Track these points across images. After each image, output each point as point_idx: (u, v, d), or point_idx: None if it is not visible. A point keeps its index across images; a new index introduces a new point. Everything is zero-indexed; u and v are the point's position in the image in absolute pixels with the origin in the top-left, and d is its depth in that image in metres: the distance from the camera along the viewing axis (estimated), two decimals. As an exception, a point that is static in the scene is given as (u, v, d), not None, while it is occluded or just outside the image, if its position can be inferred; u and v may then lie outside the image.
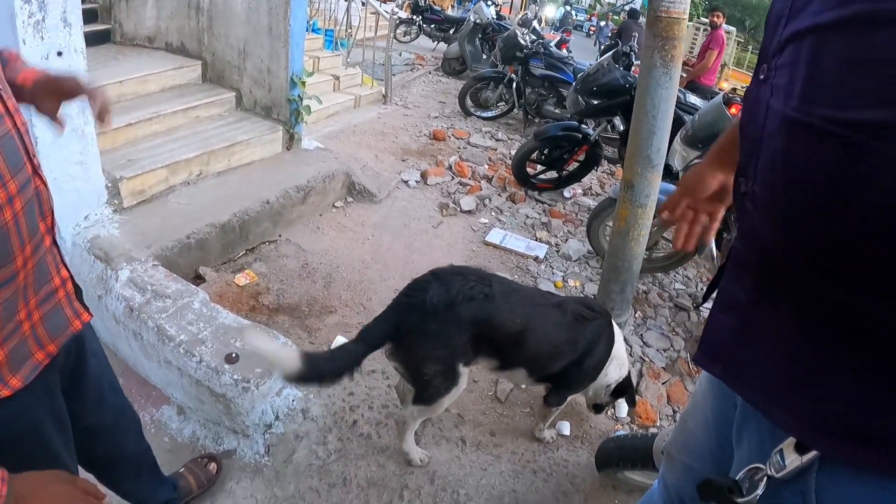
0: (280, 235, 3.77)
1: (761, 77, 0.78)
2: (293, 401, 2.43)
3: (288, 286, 3.27)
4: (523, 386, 2.79)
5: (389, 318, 1.98)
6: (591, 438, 2.59)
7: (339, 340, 2.83)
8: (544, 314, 2.14)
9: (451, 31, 12.03)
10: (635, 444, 2.12)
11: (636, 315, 3.55)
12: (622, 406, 2.76)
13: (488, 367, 2.18)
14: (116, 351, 2.73)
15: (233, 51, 4.65)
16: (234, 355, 2.31)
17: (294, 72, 4.39)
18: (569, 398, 2.37)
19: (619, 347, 2.35)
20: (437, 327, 1.94)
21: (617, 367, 2.34)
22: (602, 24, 22.77)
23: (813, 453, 0.73)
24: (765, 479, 0.78)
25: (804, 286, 0.73)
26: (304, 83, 4.43)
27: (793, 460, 0.75)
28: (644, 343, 3.32)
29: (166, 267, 2.86)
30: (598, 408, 2.53)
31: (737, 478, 0.82)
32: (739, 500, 0.80)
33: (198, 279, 3.16)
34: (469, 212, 4.60)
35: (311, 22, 7.47)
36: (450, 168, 5.42)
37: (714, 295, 0.97)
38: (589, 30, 29.33)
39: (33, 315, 1.05)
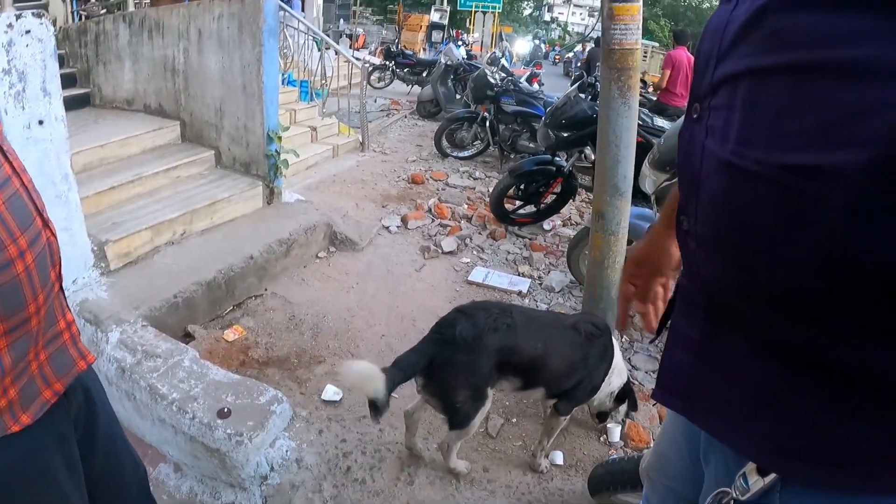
0: (266, 289, 3.83)
1: (694, 116, 0.78)
2: (287, 451, 2.47)
3: (276, 339, 3.33)
4: (514, 420, 2.85)
5: (423, 352, 2.18)
6: (584, 466, 2.64)
7: (330, 390, 2.88)
8: (562, 336, 2.39)
9: (424, 74, 12.29)
10: (624, 466, 2.18)
11: (622, 339, 3.61)
12: (614, 431, 2.82)
13: (511, 389, 2.37)
14: (110, 414, 2.76)
15: (209, 110, 4.77)
16: (226, 410, 2.35)
17: (270, 127, 4.49)
18: (574, 408, 2.54)
19: (618, 358, 2.58)
20: (468, 358, 2.15)
21: (618, 376, 2.57)
22: (575, 51, 23.23)
23: (774, 475, 0.76)
24: (731, 502, 0.81)
25: (752, 322, 0.75)
26: (280, 138, 4.54)
27: (756, 482, 0.78)
28: (632, 366, 3.38)
29: (155, 327, 2.91)
30: (602, 416, 2.74)
31: (706, 503, 0.84)
32: None
33: (187, 337, 3.20)
34: (451, 253, 4.68)
35: (285, 74, 7.63)
36: (429, 211, 5.52)
37: (667, 330, 0.99)
38: (554, 58, 30.12)
39: (40, 355, 1.11)
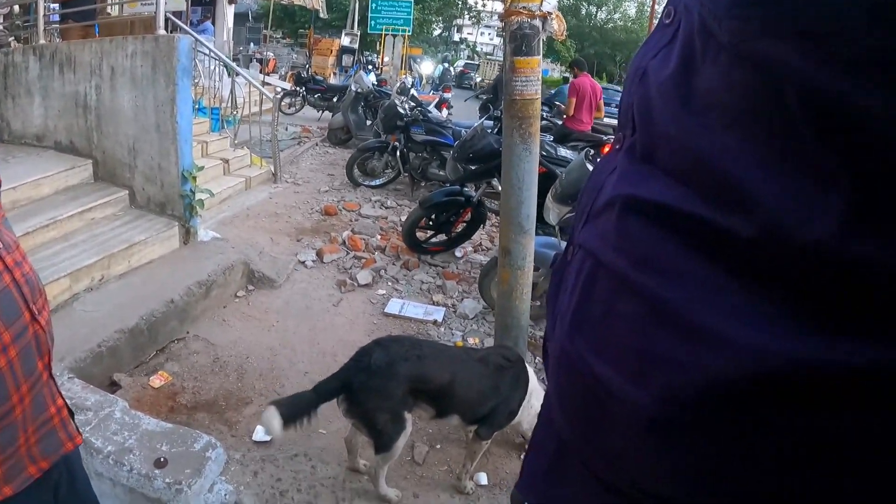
0: (188, 332, 3.90)
1: (617, 147, 0.74)
2: (225, 495, 2.59)
3: (202, 383, 3.42)
4: (438, 447, 3.06)
5: (340, 377, 2.50)
6: (508, 484, 2.87)
7: (260, 431, 3.00)
8: (469, 368, 2.66)
9: (335, 100, 12.37)
10: None
11: (536, 361, 3.85)
12: None
13: (427, 416, 2.63)
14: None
15: (123, 149, 4.77)
16: (162, 460, 2.45)
17: (184, 167, 4.55)
18: (495, 433, 2.78)
19: (534, 382, 2.81)
20: (382, 383, 2.43)
21: (538, 398, 2.77)
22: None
23: None
24: None
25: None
26: (195, 178, 4.59)
27: None
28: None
29: (81, 378, 2.95)
30: None
31: None
32: None
33: (113, 386, 3.25)
34: (367, 285, 4.86)
35: (196, 103, 7.60)
36: (343, 243, 5.67)
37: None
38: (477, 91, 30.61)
39: (30, 439, 1.18)
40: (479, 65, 38.04)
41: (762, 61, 0.50)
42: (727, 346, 0.54)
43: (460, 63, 37.12)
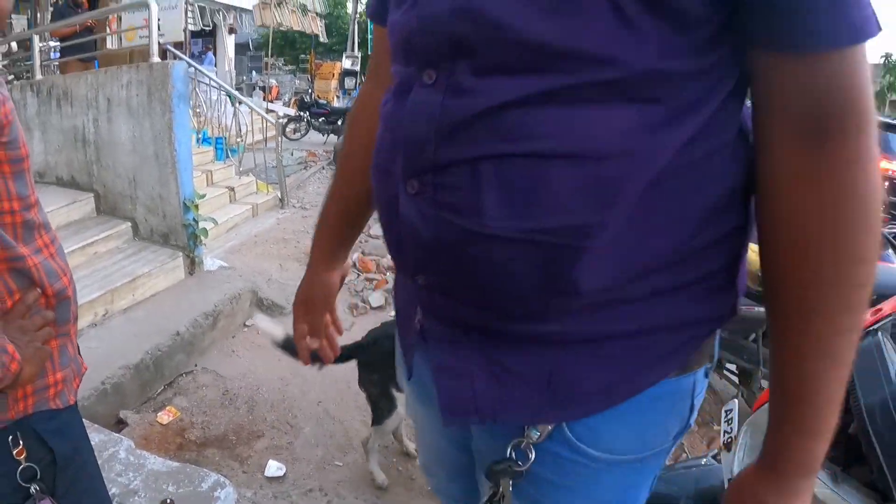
0: (196, 365, 3.78)
1: (412, 192, 0.77)
2: (233, 535, 2.46)
3: (212, 417, 3.29)
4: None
5: (349, 347, 2.63)
6: None
7: (273, 466, 2.87)
8: None
9: (339, 122, 12.35)
10: None
11: None
12: None
13: None
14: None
15: (123, 181, 4.70)
16: (168, 501, 2.32)
17: (186, 196, 4.46)
18: None
19: None
20: (371, 358, 2.64)
21: None
22: None
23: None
24: (530, 445, 0.86)
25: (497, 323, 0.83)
26: (196, 206, 4.50)
27: (543, 427, 0.85)
28: None
29: (86, 417, 2.80)
30: None
31: (507, 454, 0.87)
32: (523, 467, 0.86)
33: (120, 424, 3.13)
34: (379, 307, 4.74)
35: (199, 133, 7.56)
36: (354, 265, 5.55)
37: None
38: None
39: None
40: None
41: None
42: None
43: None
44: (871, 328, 1.65)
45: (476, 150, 0.70)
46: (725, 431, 1.95)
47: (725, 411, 2.04)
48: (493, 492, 0.89)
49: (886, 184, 9.08)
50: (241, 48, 20.25)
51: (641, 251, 0.72)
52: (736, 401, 2.13)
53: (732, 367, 3.45)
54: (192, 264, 4.56)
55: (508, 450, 0.86)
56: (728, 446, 1.82)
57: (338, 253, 1.27)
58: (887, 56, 22.95)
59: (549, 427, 0.84)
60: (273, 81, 19.46)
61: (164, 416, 3.22)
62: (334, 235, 1.24)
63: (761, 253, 0.73)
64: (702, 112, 0.68)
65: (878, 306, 1.82)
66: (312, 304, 1.31)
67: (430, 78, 0.73)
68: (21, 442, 1.14)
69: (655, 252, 0.73)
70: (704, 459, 2.01)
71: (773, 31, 0.61)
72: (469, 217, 0.72)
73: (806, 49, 0.59)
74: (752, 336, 3.20)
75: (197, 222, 4.52)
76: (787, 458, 0.75)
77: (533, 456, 0.85)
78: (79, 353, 1.34)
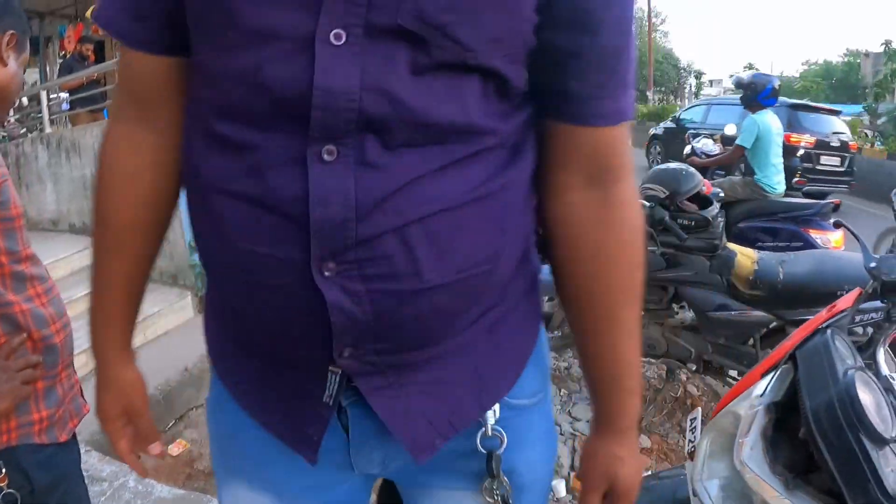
0: (205, 399, 3.88)
1: (326, 274, 0.73)
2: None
3: (220, 447, 3.40)
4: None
5: None
6: None
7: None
8: None
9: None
10: None
11: (561, 393, 3.71)
12: (559, 487, 2.88)
13: None
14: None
15: (132, 226, 4.85)
16: (176, 526, 2.46)
17: (191, 238, 4.59)
18: None
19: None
20: None
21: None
22: None
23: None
24: (494, 427, 0.91)
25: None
26: (203, 248, 4.65)
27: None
28: (573, 418, 3.47)
29: (99, 451, 2.98)
30: None
31: (476, 448, 0.92)
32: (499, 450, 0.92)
33: (131, 456, 3.25)
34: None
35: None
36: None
37: None
38: None
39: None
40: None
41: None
42: None
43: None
44: (822, 326, 1.62)
45: (401, 220, 0.73)
46: (690, 441, 1.91)
47: (690, 420, 2.00)
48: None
49: (801, 152, 9.70)
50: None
51: (516, 248, 0.88)
52: (699, 409, 2.13)
53: (734, 373, 3.39)
54: (200, 303, 4.71)
55: (477, 443, 0.91)
56: (692, 455, 1.75)
57: (131, 337, 1.07)
58: (887, 43, 22.15)
59: (497, 405, 0.93)
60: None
61: (174, 448, 3.35)
62: (124, 320, 1.02)
63: (560, 275, 0.93)
64: (526, 153, 0.85)
65: (833, 303, 1.81)
66: (133, 408, 1.05)
67: (330, 155, 0.70)
68: (3, 469, 1.24)
69: (524, 246, 0.90)
70: (683, 470, 1.93)
71: (571, 112, 0.82)
72: (407, 279, 0.75)
73: (596, 124, 0.82)
74: (751, 341, 3.25)
75: (204, 262, 4.65)
76: (623, 416, 0.94)
77: (505, 437, 0.91)
78: (81, 396, 1.46)
